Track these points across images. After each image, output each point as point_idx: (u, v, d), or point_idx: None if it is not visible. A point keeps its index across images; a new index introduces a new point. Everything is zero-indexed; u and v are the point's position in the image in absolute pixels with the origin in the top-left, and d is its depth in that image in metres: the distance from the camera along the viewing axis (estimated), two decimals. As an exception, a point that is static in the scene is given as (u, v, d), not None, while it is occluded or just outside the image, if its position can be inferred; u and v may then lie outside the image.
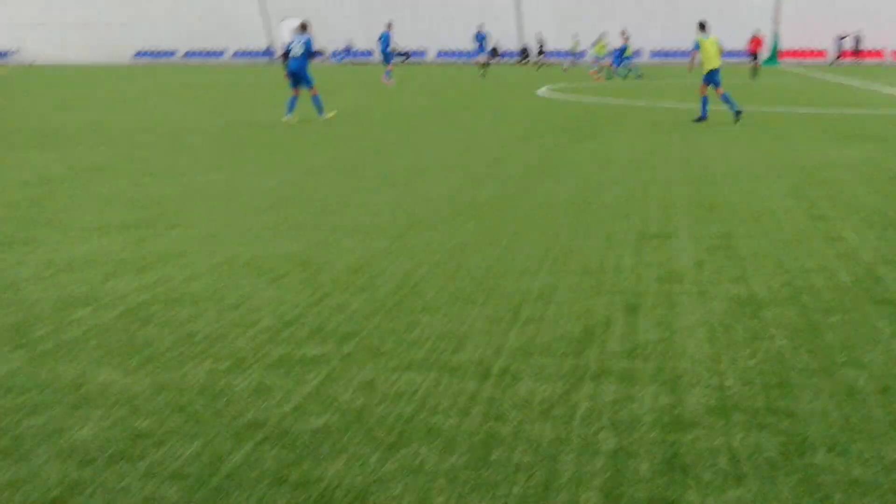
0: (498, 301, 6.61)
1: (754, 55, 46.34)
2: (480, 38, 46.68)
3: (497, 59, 61.86)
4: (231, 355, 5.51)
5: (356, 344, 5.70)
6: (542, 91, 33.00)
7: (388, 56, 40.11)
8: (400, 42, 67.58)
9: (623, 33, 45.94)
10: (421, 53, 66.87)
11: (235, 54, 67.93)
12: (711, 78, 20.31)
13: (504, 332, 5.92)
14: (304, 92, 21.57)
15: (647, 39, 65.64)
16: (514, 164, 13.77)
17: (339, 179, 12.40)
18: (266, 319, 6.23)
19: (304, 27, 21.58)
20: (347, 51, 69.92)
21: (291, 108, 21.23)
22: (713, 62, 20.33)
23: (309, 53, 21.28)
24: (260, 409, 4.72)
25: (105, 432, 4.44)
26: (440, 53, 67.04)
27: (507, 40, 66.06)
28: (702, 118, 20.51)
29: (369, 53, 70.09)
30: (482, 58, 47.07)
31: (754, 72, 45.07)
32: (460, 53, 66.85)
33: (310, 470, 4.04)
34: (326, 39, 70.84)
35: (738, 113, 20.28)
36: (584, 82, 40.02)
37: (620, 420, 4.54)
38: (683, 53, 63.71)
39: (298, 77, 21.19)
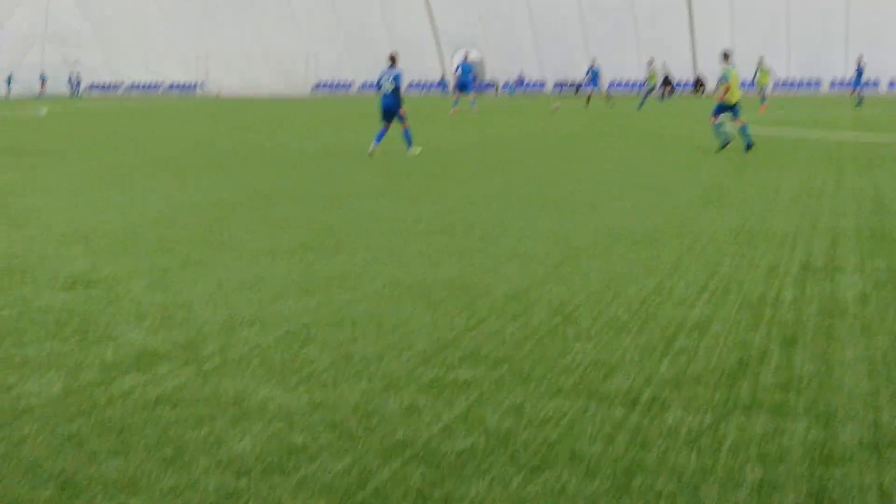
0: (652, 330, 6.59)
1: None
2: (593, 72, 46.93)
3: (668, 89, 61.13)
4: (385, 376, 5.68)
5: (507, 369, 5.79)
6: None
7: (464, 85, 41.03)
8: (572, 73, 67.66)
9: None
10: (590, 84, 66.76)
11: (410, 85, 69.20)
12: (732, 108, 20.44)
13: (656, 361, 5.91)
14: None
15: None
16: (677, 195, 13.63)
17: (499, 208, 12.54)
18: (422, 343, 6.38)
19: (393, 60, 20.71)
20: (520, 81, 70.33)
21: (378, 138, 20.44)
22: (736, 94, 20.44)
23: (398, 88, 20.38)
24: (409, 428, 4.85)
25: (262, 445, 4.65)
26: (611, 84, 66.74)
27: (681, 70, 65.29)
28: (749, 146, 20.19)
29: (542, 85, 70.37)
30: (589, 90, 47.49)
31: None
32: (632, 84, 66.40)
33: (453, 489, 4.14)
34: (499, 70, 71.45)
35: (749, 146, 20.16)
36: (751, 113, 39.23)
37: (768, 452, 4.48)
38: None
39: (391, 114, 20.40)
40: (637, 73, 65.78)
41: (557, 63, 69.07)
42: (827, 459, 4.39)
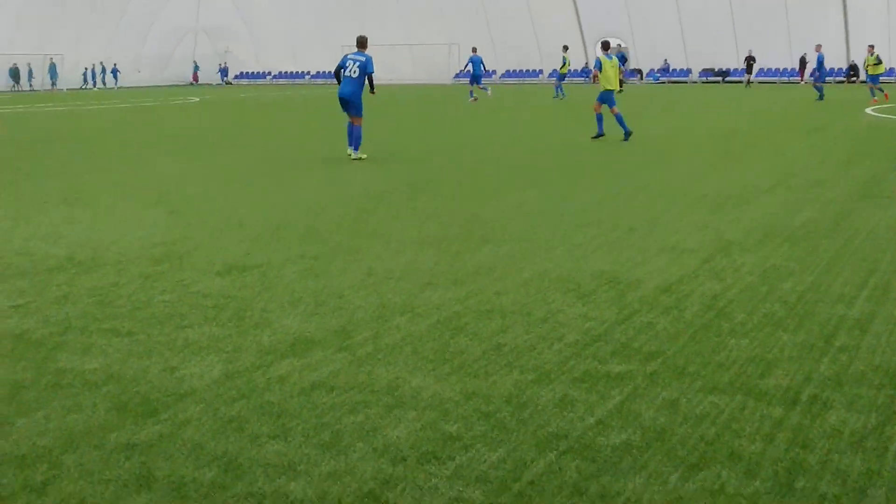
0: (810, 327, 6.41)
1: None
2: (621, 57, 47.95)
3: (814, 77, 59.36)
4: (537, 367, 5.67)
5: (661, 363, 5.71)
6: (870, 111, 31.39)
7: (476, 78, 43.09)
8: (718, 61, 66.31)
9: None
10: (740, 72, 65.17)
11: (551, 74, 68.77)
12: (607, 98, 21.63)
13: (815, 359, 5.74)
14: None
15: None
16: (835, 189, 13.21)
17: (647, 201, 12.37)
18: (572, 334, 6.35)
19: (362, 44, 17.97)
20: (665, 69, 69.28)
21: (353, 140, 17.98)
22: (611, 83, 21.67)
23: (366, 76, 17.70)
24: (563, 421, 4.83)
25: (417, 433, 4.69)
26: (759, 72, 65.09)
27: (834, 58, 63.26)
28: (599, 135, 21.75)
29: (688, 72, 69.14)
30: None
31: None
32: (783, 72, 64.62)
33: (609, 484, 4.10)
34: (644, 57, 70.49)
35: (627, 134, 21.25)
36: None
37: (939, 458, 4.31)
38: None
39: (349, 103, 17.71)
40: (787, 62, 64.04)
41: (703, 51, 67.73)
42: None
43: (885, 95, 36.75)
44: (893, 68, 58.73)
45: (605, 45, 22.25)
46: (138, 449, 4.54)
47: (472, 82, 43.67)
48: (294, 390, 5.33)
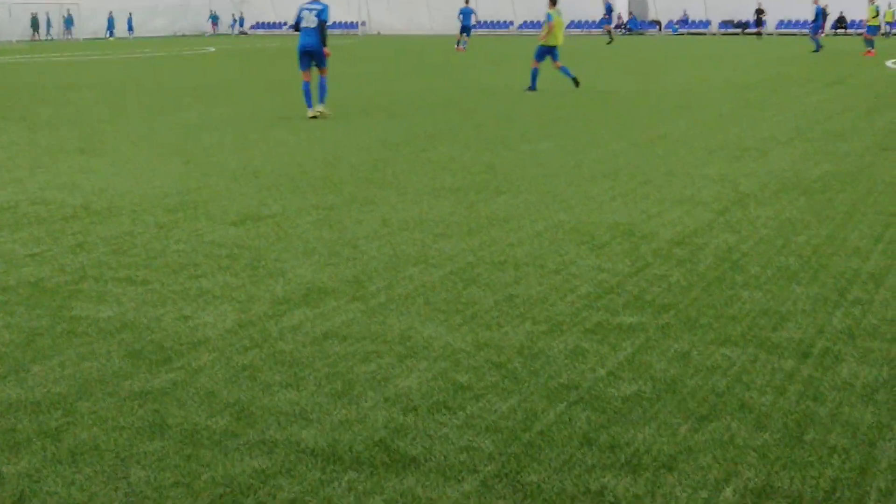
0: (824, 280, 6.39)
1: None
2: (608, 7, 53.08)
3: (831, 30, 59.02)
4: (549, 319, 5.67)
5: (673, 315, 5.70)
6: (891, 64, 31.06)
7: (466, 28, 44.92)
8: (737, 12, 65.60)
9: None
10: (753, 24, 64.42)
11: (571, 24, 68.32)
12: (549, 52, 21.98)
13: (829, 312, 5.73)
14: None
15: None
16: (853, 141, 13.11)
17: (665, 152, 12.31)
18: (585, 286, 6.34)
19: None
20: (684, 20, 68.64)
21: (309, 97, 16.85)
22: (558, 39, 22.00)
23: (323, 25, 16.56)
24: (574, 371, 4.84)
25: (428, 383, 4.71)
26: (780, 24, 64.38)
27: (854, 8, 62.49)
28: (531, 89, 21.83)
29: (707, 24, 68.44)
30: (608, 27, 53.98)
31: None
32: (803, 24, 63.96)
33: (619, 434, 4.12)
34: (663, 9, 69.85)
35: (575, 81, 21.86)
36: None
37: (950, 411, 4.30)
38: None
39: (313, 57, 16.60)
40: (805, 13, 63.40)
41: (723, 2, 67.03)
42: None
43: (868, 52, 36.22)
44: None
45: (554, 1, 22.56)
46: (151, 396, 4.58)
47: (461, 32, 45.18)
48: (307, 339, 5.36)
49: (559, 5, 22.67)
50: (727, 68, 30.14)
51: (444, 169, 11.12)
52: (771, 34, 58.42)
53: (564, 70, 22.12)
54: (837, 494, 3.58)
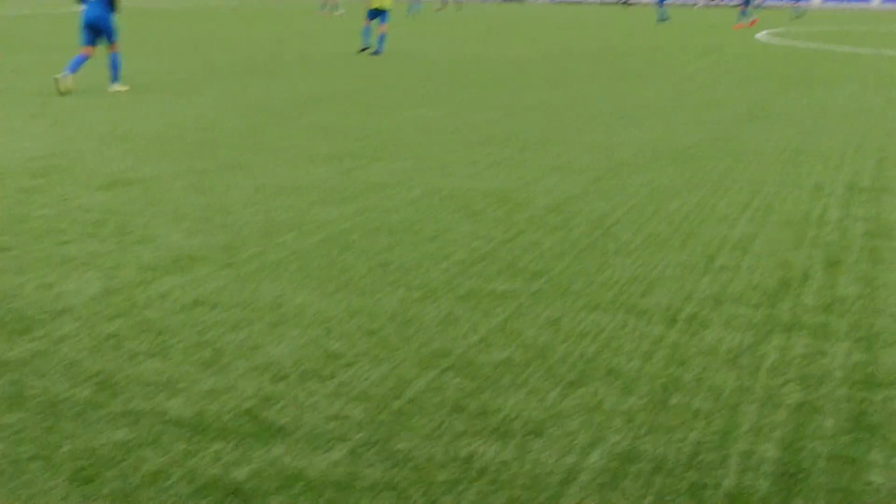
0: (693, 247, 6.51)
1: None
2: None
3: (716, 1, 60.43)
4: (423, 285, 5.66)
5: (545, 282, 5.74)
6: (761, 36, 31.84)
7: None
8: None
9: None
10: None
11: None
12: (378, 14, 22.66)
13: (696, 278, 5.84)
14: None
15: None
16: (723, 110, 13.41)
17: (543, 119, 12.40)
18: (460, 253, 6.34)
19: None
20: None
21: (74, 67, 14.57)
22: (383, 2, 22.55)
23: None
24: (446, 338, 4.84)
25: (299, 351, 4.66)
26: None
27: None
28: (365, 49, 22.71)
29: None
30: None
31: None
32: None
33: (489, 400, 4.13)
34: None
35: (377, 53, 22.34)
36: (810, 27, 38.28)
37: (809, 374, 4.43)
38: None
39: (99, 29, 14.66)
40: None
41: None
42: (869, 383, 4.33)
43: (752, 21, 37.13)
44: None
45: None
46: (10, 366, 4.42)
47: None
48: (175, 307, 5.24)
49: None
50: (602, 37, 30.49)
51: (322, 134, 11.00)
52: (637, 3, 59.35)
53: (381, 38, 22.59)
54: (700, 457, 3.66)
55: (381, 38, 22.56)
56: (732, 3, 46.74)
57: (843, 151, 10.13)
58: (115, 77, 15.00)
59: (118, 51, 15.02)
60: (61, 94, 14.11)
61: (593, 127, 11.75)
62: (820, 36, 32.00)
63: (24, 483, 3.43)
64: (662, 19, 40.12)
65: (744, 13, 37.68)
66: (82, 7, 14.74)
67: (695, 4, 50.26)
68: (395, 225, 7.03)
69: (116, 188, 8.05)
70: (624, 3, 58.41)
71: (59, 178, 8.43)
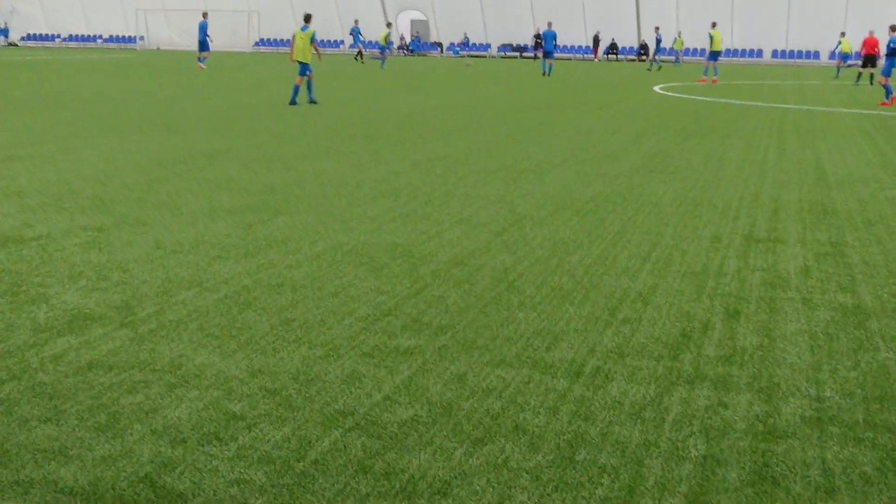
0: (596, 300, 6.55)
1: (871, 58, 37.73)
2: (355, 31, 57.91)
3: (610, 55, 62.21)
4: (326, 343, 5.58)
5: (450, 337, 5.71)
6: (657, 89, 32.56)
7: (203, 45, 43.00)
8: (516, 36, 67.53)
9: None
10: (531, 48, 66.38)
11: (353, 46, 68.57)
12: (303, 71, 23.36)
13: (600, 331, 5.87)
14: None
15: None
16: (622, 162, 13.62)
17: (445, 172, 12.44)
18: (363, 308, 6.28)
19: None
20: (465, 43, 70.00)
21: None
22: (304, 55, 23.28)
23: None
24: (350, 397, 4.76)
25: (199, 413, 4.54)
26: (558, 49, 66.72)
27: (626, 37, 65.37)
28: (292, 103, 23.18)
29: (487, 47, 70.04)
30: (357, 49, 57.96)
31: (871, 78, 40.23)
32: (579, 49, 66.42)
33: (395, 460, 4.06)
34: (444, 30, 71.05)
35: (294, 101, 23.18)
36: (692, 80, 39.29)
37: (712, 426, 4.46)
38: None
39: None
40: (583, 40, 66.09)
41: (502, 26, 68.95)
42: (770, 434, 4.38)
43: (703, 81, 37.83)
44: (688, 48, 61.11)
45: (306, 18, 24.26)
46: None
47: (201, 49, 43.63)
48: (69, 370, 5.07)
49: (311, 23, 24.20)
50: (505, 91, 30.85)
51: (222, 189, 10.87)
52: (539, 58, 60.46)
53: (308, 86, 23.72)
54: (607, 514, 3.64)
55: (309, 85, 23.67)
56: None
57: (739, 203, 10.35)
58: None
59: None
60: None
61: (494, 179, 11.82)
62: (714, 90, 32.82)
63: None
64: (547, 73, 41.48)
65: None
66: None
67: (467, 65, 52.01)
68: (297, 280, 6.94)
69: (9, 246, 7.82)
70: (534, 57, 59.85)
71: (-51, 236, 8.16)
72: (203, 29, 42.79)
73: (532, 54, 61.90)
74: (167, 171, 12.13)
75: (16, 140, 15.29)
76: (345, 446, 4.20)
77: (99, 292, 6.55)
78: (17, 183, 10.97)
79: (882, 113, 23.29)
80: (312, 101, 23.57)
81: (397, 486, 3.84)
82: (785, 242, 8.42)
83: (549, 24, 44.83)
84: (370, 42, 65.76)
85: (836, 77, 43.67)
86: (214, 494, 3.74)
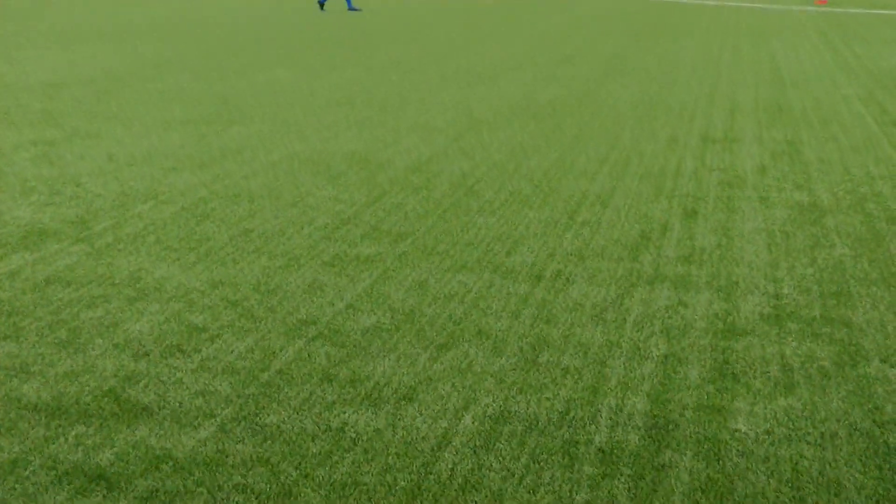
0: (555, 204, 6.55)
1: None
2: None
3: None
4: (286, 253, 5.55)
5: (411, 244, 5.70)
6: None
7: None
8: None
9: None
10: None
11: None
12: None
13: (559, 235, 5.88)
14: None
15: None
16: (579, 65, 13.53)
17: (400, 78, 12.31)
18: (322, 217, 6.25)
19: None
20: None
21: None
22: None
23: None
24: (313, 306, 4.75)
25: (160, 326, 4.51)
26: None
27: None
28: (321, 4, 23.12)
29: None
30: None
31: None
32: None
33: (359, 368, 4.07)
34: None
35: (321, 5, 23.11)
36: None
37: (672, 326, 4.51)
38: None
39: None
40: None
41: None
42: (729, 332, 4.43)
43: None
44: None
45: None
46: None
47: None
48: (26, 286, 5.01)
49: None
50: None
51: (174, 99, 10.69)
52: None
53: None
54: (571, 414, 3.68)
55: None
56: None
57: (695, 104, 10.35)
58: None
59: None
60: None
61: (450, 85, 11.72)
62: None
63: None
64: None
65: None
66: None
67: None
68: (254, 191, 6.88)
69: (-43, 162, 7.67)
70: None
71: None
72: None
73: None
74: (117, 83, 11.89)
75: (-41, 53, 14.92)
76: (309, 355, 4.20)
77: (52, 207, 6.45)
78: (-37, 97, 10.73)
79: (835, 10, 23.28)
80: (353, 9, 23.09)
81: (363, 393, 3.85)
82: (741, 142, 8.44)
83: None
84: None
85: None
86: (180, 406, 3.74)
